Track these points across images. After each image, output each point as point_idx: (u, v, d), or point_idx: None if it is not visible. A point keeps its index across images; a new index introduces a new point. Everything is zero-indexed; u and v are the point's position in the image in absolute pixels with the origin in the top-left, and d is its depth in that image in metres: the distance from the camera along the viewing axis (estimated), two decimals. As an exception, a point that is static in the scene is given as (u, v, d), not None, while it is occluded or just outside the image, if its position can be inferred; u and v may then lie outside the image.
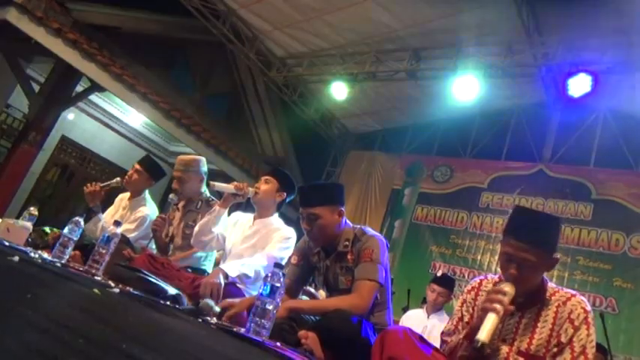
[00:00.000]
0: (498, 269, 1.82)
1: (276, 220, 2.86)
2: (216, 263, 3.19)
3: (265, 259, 2.58)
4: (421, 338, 1.82)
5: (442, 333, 1.90)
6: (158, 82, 7.16)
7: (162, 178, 3.70)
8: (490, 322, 1.61)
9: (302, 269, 2.50)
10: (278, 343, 1.69)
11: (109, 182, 3.45)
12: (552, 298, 1.76)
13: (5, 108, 7.52)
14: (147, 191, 3.58)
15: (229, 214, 2.93)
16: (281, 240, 2.69)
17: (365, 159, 8.82)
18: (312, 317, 2.19)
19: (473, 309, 1.88)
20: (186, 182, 3.16)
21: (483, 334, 1.59)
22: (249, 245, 2.76)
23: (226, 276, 2.41)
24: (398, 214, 8.05)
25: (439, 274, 4.71)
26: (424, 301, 4.61)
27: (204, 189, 3.27)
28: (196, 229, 2.78)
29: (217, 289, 2.33)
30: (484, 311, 1.65)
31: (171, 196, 3.20)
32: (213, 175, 8.43)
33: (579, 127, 7.24)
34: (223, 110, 8.55)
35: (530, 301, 1.75)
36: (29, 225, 2.68)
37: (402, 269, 7.20)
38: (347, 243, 2.32)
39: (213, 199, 3.20)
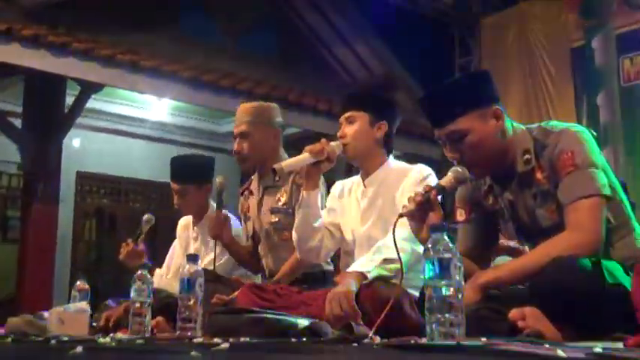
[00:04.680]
0: None
1: (394, 164, 2.89)
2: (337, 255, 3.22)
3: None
4: None
5: None
6: (169, 45, 7.38)
7: (212, 170, 3.70)
8: None
9: (478, 224, 2.49)
10: (484, 339, 1.70)
11: (138, 230, 3.66)
12: None
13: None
14: (211, 202, 3.61)
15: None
16: (417, 184, 2.66)
17: (509, 21, 8.58)
18: (519, 286, 2.18)
19: None
20: (255, 139, 3.20)
21: None
22: (375, 219, 2.79)
23: (363, 277, 2.46)
24: (595, 84, 7.71)
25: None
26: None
27: (281, 151, 3.32)
28: (295, 237, 2.86)
29: (346, 300, 2.34)
30: None
31: (218, 181, 3.33)
32: (299, 140, 8.65)
33: None
34: (272, 45, 8.64)
35: None
36: (85, 305, 2.95)
37: (634, 166, 6.88)
38: (528, 156, 2.27)
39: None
